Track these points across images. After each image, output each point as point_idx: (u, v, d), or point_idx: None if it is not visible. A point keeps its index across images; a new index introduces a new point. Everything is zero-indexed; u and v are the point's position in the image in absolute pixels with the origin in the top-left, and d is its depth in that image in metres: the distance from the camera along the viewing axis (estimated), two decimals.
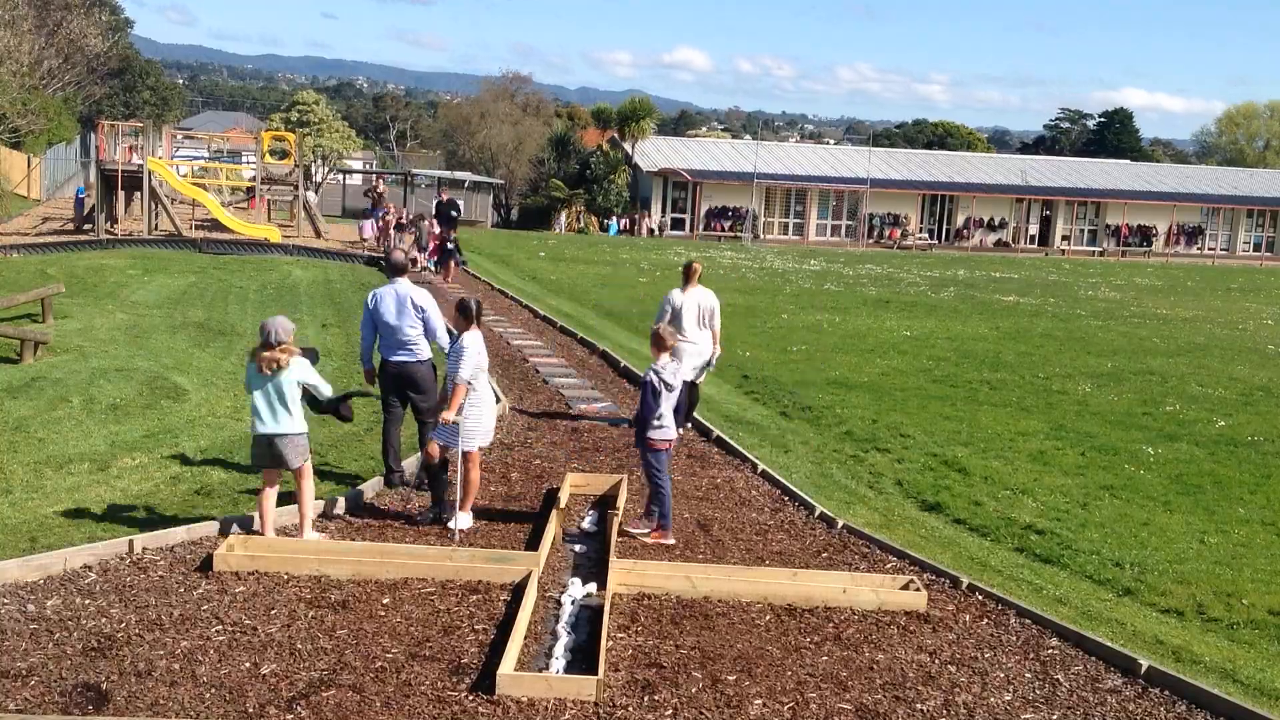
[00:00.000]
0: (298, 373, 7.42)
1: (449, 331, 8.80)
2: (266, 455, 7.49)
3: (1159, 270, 42.09)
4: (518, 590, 6.93)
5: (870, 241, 49.77)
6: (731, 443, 10.84)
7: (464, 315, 8.18)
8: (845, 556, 8.03)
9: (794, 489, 9.45)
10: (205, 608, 6.47)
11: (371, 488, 8.79)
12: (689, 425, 11.20)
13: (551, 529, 7.94)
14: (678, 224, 49.85)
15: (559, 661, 6.06)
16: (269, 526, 7.61)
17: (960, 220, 52.34)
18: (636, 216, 48.44)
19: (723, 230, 48.99)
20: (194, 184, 30.68)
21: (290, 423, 7.43)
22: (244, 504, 8.35)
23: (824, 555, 8.04)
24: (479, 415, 8.15)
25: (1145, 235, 54.00)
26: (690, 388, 10.66)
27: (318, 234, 30.74)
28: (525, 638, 6.27)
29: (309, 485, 7.68)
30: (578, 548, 7.96)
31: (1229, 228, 55.93)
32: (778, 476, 9.83)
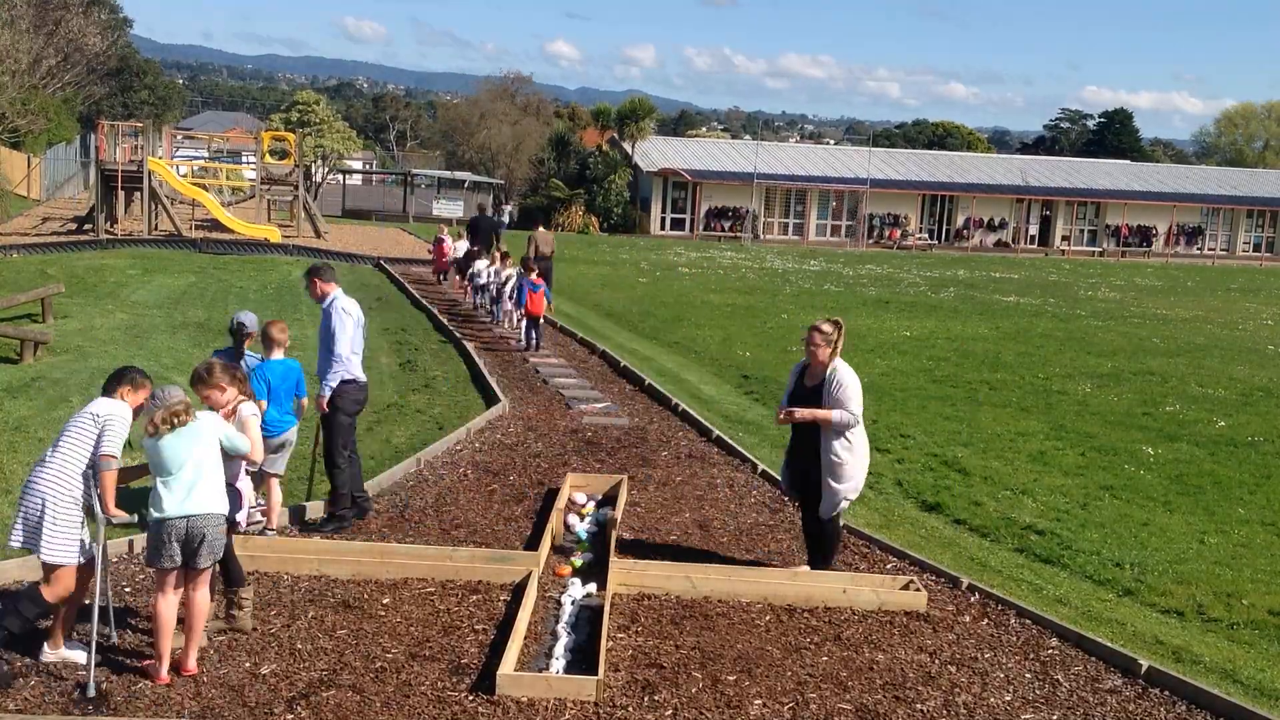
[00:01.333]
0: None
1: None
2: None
3: (1159, 270, 42.10)
4: (518, 590, 6.93)
5: (870, 242, 49.77)
6: (731, 443, 10.84)
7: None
8: (845, 556, 8.03)
9: None
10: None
11: (371, 488, 8.78)
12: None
13: (551, 529, 7.94)
14: (678, 224, 49.86)
15: (559, 661, 6.06)
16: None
17: (960, 220, 52.35)
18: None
19: (723, 230, 48.99)
20: (194, 184, 30.69)
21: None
22: None
23: None
24: None
25: (1145, 235, 54.01)
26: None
27: (318, 234, 30.74)
28: (525, 638, 6.27)
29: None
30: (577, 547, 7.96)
31: (1229, 228, 55.94)
32: (778, 477, 9.81)
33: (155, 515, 5.51)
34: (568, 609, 6.74)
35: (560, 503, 8.60)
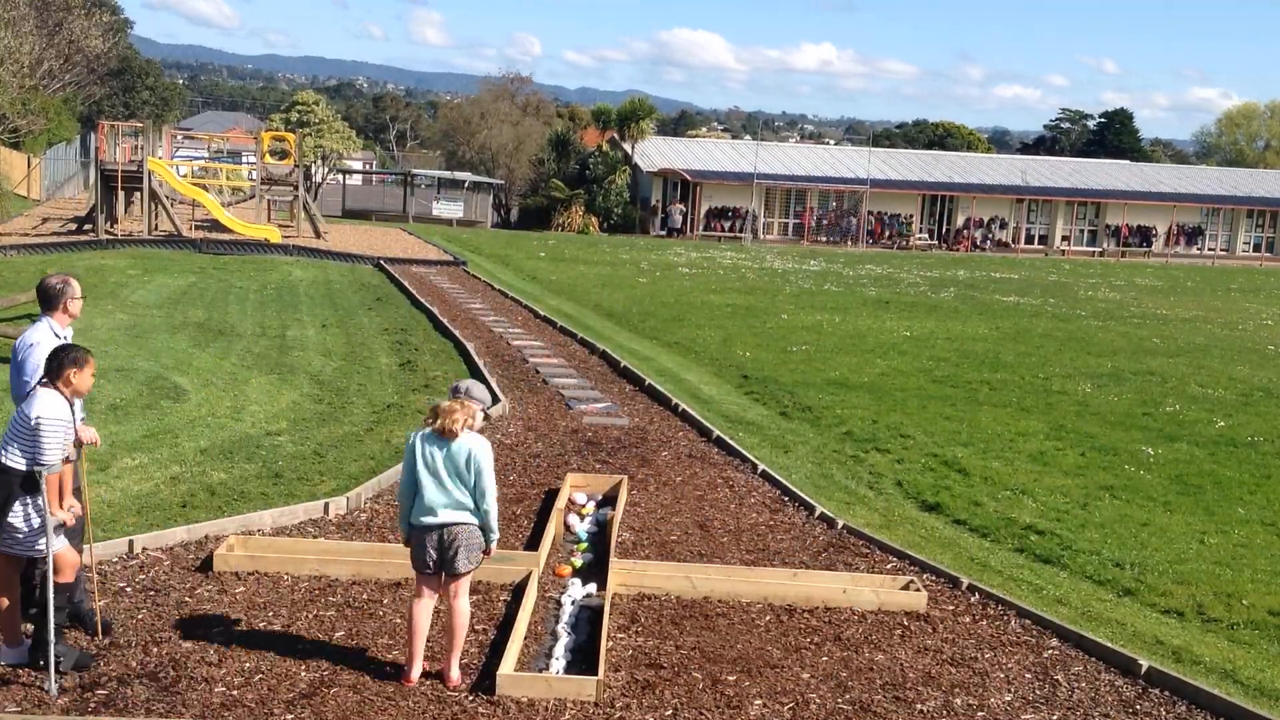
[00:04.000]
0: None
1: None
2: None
3: (1159, 270, 42.09)
4: (518, 590, 6.94)
5: (870, 242, 49.76)
6: (731, 443, 10.84)
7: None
8: (845, 557, 8.03)
9: (794, 489, 9.45)
10: (205, 608, 6.47)
11: (371, 488, 8.79)
12: None
13: (551, 529, 7.95)
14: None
15: (559, 662, 6.06)
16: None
17: (960, 220, 52.32)
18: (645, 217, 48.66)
19: (723, 230, 48.99)
20: (194, 184, 30.69)
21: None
22: (243, 504, 8.35)
23: (824, 555, 8.04)
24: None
25: (1145, 235, 54.00)
26: None
27: (318, 234, 30.75)
28: (525, 638, 6.27)
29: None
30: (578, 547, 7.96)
31: (1229, 228, 55.91)
32: (778, 476, 9.83)
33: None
34: (568, 609, 6.75)
35: (560, 503, 8.60)
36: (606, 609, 6.55)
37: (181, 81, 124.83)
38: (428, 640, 5.86)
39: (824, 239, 49.79)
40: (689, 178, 49.03)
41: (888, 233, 50.44)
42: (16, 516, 5.50)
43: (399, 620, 6.44)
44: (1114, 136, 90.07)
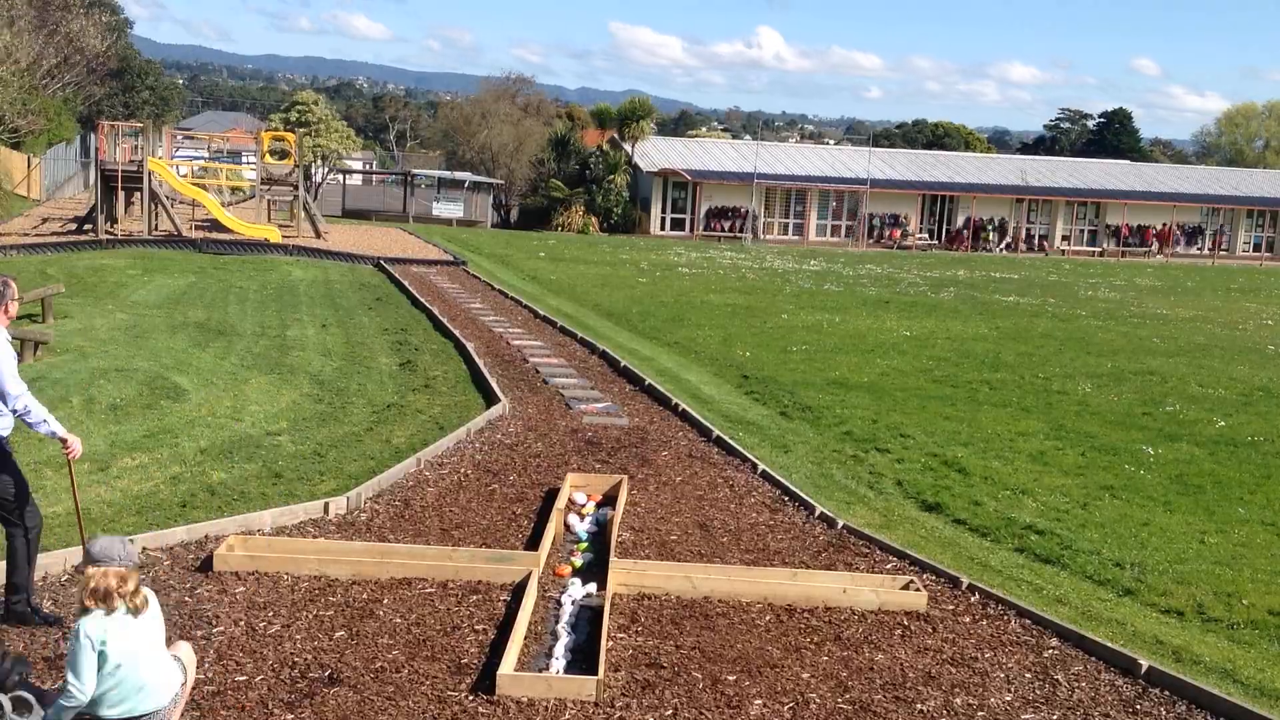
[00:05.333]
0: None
1: None
2: None
3: (1159, 270, 42.09)
4: (518, 590, 6.94)
5: (870, 242, 49.76)
6: (731, 443, 10.85)
7: None
8: (845, 556, 8.03)
9: (794, 489, 9.45)
10: (205, 608, 6.47)
11: (371, 488, 8.79)
12: None
13: (551, 529, 7.95)
14: (678, 224, 49.87)
15: (559, 661, 6.06)
16: None
17: (960, 220, 52.33)
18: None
19: (722, 230, 49.00)
20: (194, 184, 30.69)
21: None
22: (243, 504, 8.36)
23: (824, 555, 8.04)
24: None
25: (1145, 235, 54.02)
26: None
27: (318, 234, 30.75)
28: (525, 638, 6.27)
29: None
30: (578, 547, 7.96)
31: (1229, 228, 55.92)
32: (778, 476, 9.83)
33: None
34: (568, 609, 6.75)
35: (560, 503, 8.60)
36: (606, 609, 6.55)
37: (181, 81, 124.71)
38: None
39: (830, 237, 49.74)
40: (689, 178, 49.05)
41: (886, 230, 50.42)
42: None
43: (399, 620, 6.44)
44: (1114, 136, 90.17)
